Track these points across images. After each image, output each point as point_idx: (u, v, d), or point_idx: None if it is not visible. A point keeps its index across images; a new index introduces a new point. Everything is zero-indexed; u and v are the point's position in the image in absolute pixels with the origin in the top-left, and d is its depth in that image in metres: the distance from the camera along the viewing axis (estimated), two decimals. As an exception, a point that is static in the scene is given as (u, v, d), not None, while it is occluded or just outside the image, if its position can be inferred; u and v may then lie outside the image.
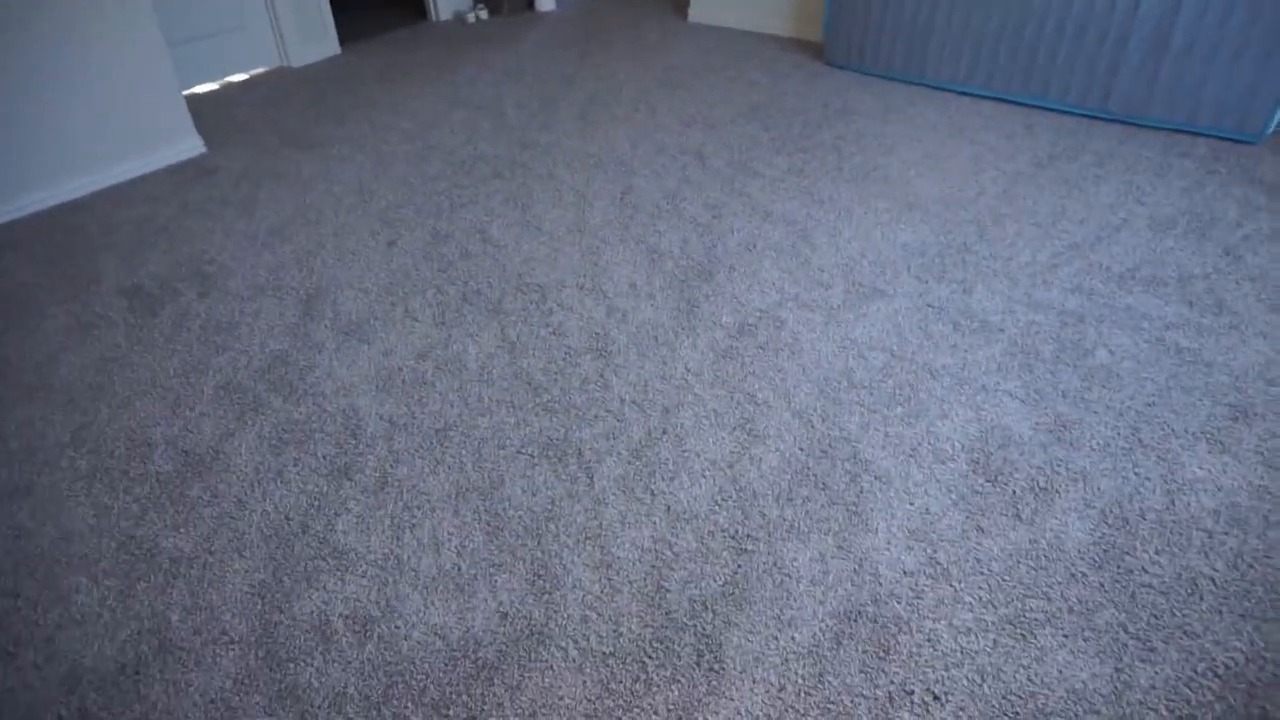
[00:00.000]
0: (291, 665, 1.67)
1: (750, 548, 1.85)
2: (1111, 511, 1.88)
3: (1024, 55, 3.81)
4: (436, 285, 2.82)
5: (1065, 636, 1.63)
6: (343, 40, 5.25)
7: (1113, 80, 3.61)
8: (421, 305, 2.72)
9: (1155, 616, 1.66)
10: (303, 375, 2.44)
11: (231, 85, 4.73)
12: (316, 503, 2.02)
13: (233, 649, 1.70)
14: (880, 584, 1.75)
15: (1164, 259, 2.73)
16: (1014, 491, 1.94)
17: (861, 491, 1.97)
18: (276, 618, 1.76)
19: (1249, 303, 2.50)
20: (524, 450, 2.14)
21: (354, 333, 2.61)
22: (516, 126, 4.01)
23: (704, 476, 2.03)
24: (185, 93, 4.45)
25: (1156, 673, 1.56)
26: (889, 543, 1.84)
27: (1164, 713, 1.50)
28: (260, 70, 4.92)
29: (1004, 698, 1.54)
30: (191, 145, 3.86)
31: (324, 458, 2.15)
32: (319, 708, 1.59)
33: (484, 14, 5.80)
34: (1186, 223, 2.92)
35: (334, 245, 3.08)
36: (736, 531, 1.89)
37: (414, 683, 1.62)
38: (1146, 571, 1.74)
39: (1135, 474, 1.97)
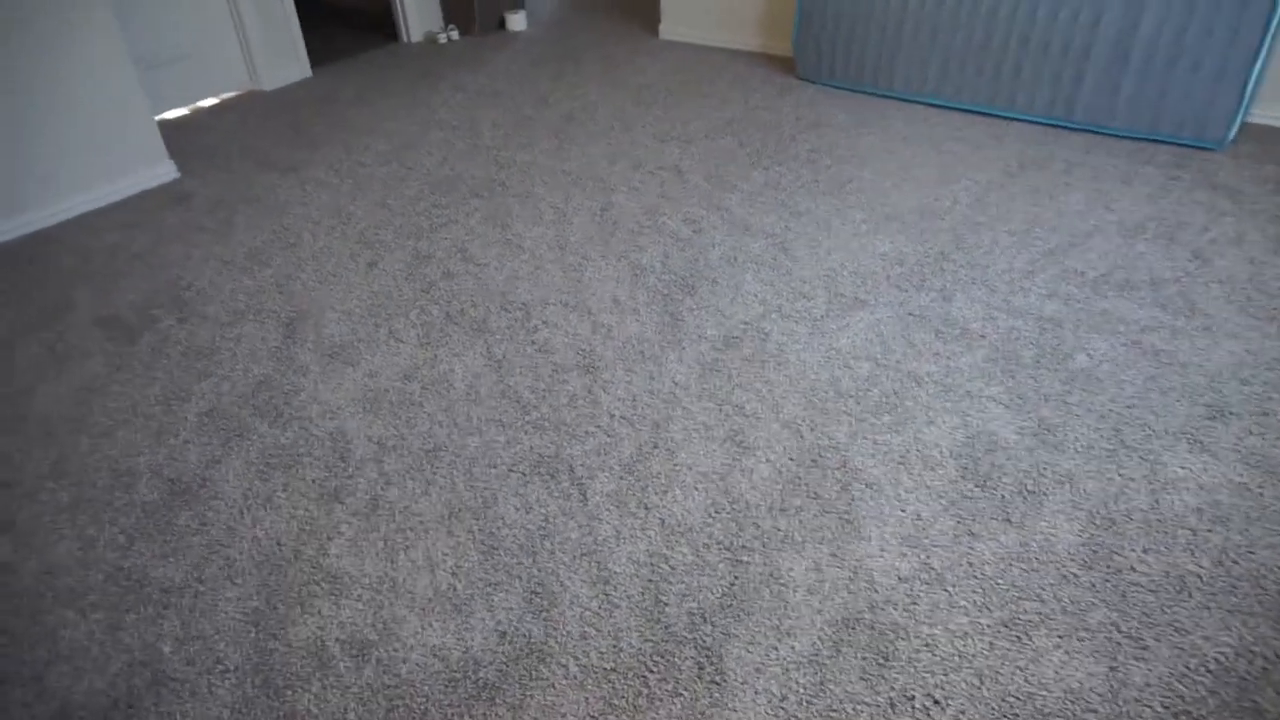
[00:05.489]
0: (289, 692, 1.65)
1: (746, 559, 1.86)
2: (1098, 512, 1.91)
3: (991, 67, 3.89)
4: (420, 305, 2.81)
5: (1060, 637, 1.65)
6: (315, 63, 5.23)
7: (1077, 91, 3.69)
8: (405, 326, 2.71)
9: (1146, 614, 1.69)
10: (288, 399, 2.42)
11: (202, 110, 4.70)
12: (308, 527, 2.00)
13: (228, 678, 1.68)
14: (876, 591, 1.77)
15: (1135, 264, 2.79)
16: (1003, 495, 1.97)
17: (853, 500, 1.99)
18: (272, 645, 1.74)
19: (1219, 305, 2.56)
20: (515, 468, 2.14)
21: (338, 355, 2.59)
22: (493, 146, 4.02)
23: (696, 489, 2.04)
24: (156, 118, 4.41)
25: (1150, 670, 1.59)
26: (882, 550, 1.86)
27: (1159, 709, 1.52)
28: (231, 94, 4.89)
29: (1003, 699, 1.56)
30: (165, 170, 3.83)
31: (313, 482, 2.13)
32: (319, 735, 1.57)
33: (455, 35, 5.80)
34: (1155, 228, 2.98)
35: (314, 268, 3.07)
36: (731, 543, 1.90)
37: (415, 705, 1.61)
38: (1135, 570, 1.77)
39: (1120, 475, 2.00)
